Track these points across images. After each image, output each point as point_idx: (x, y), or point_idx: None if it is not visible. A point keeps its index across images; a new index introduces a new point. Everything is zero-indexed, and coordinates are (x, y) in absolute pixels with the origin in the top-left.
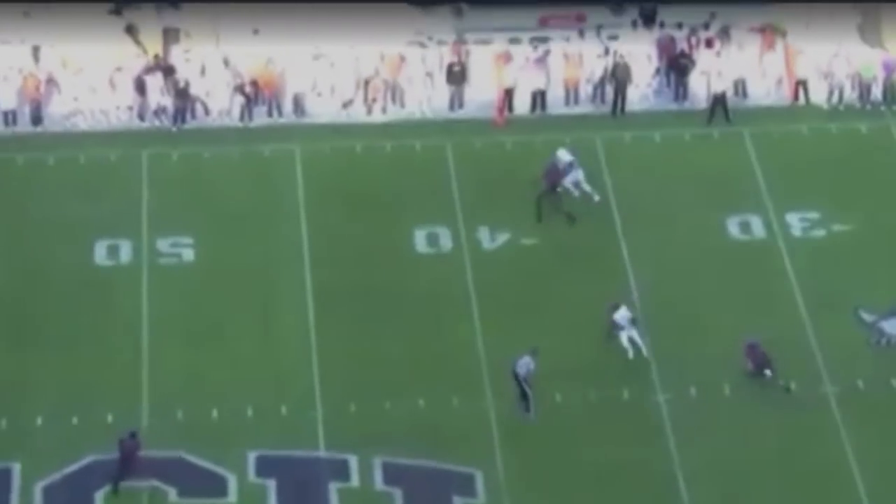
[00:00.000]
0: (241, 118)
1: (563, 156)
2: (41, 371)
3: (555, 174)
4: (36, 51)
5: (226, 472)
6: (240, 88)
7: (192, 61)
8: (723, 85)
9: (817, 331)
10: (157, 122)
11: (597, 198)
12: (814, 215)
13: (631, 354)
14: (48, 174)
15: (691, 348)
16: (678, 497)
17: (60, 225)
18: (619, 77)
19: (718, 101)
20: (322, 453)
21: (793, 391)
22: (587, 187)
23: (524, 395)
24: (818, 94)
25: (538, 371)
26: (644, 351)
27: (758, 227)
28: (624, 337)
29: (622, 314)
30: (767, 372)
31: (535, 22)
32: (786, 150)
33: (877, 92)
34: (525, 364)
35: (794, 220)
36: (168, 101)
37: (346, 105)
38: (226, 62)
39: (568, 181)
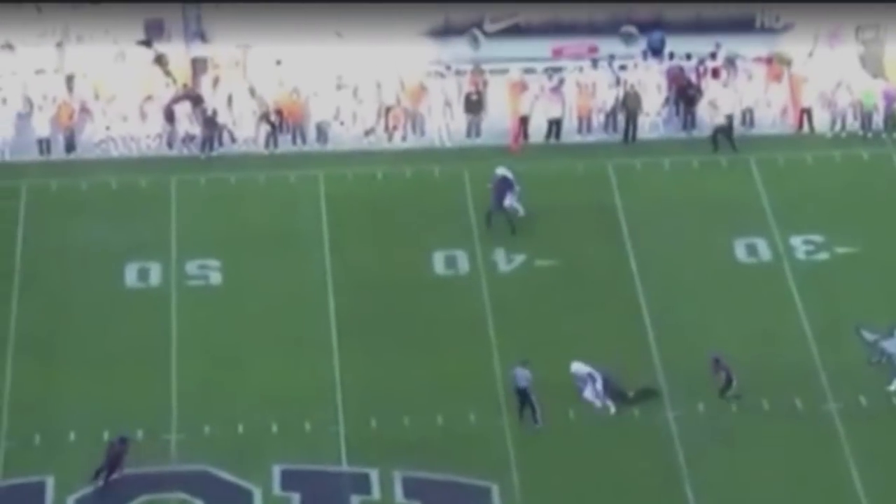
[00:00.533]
0: (267, 146)
1: (504, 171)
2: (74, 389)
3: (503, 186)
4: (70, 80)
5: (251, 485)
6: (265, 117)
7: (220, 91)
8: (722, 116)
9: (821, 349)
10: (185, 150)
11: (521, 213)
12: (817, 238)
13: (604, 408)
14: (81, 200)
15: (700, 367)
16: None
17: (93, 249)
18: (629, 106)
19: (720, 131)
20: (344, 467)
21: (741, 397)
22: (517, 204)
23: (530, 408)
24: (821, 123)
25: (551, 386)
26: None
27: (764, 250)
28: (589, 392)
29: (579, 369)
30: (734, 382)
31: (548, 52)
32: (790, 176)
33: (878, 120)
34: (524, 376)
35: (799, 244)
36: (196, 130)
37: (367, 133)
38: (252, 91)
39: (507, 200)
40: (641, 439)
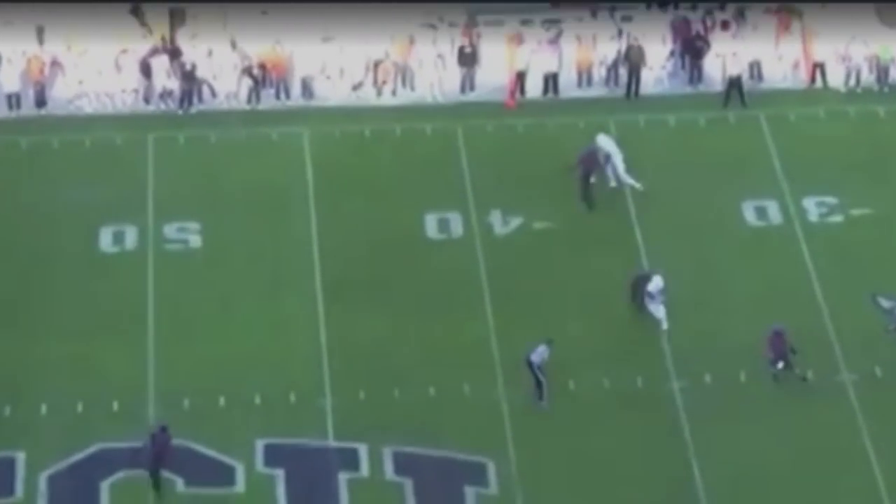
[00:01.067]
0: (249, 101)
1: (603, 143)
2: (45, 359)
3: (591, 161)
4: (40, 32)
5: (233, 461)
6: (247, 71)
7: (199, 44)
8: (738, 68)
9: (834, 318)
10: (163, 106)
11: (638, 186)
12: (831, 200)
13: (665, 326)
14: (52, 158)
15: (706, 335)
16: (693, 486)
17: (64, 210)
18: (632, 60)
19: (734, 84)
20: (331, 442)
21: (809, 380)
22: (627, 177)
23: (538, 384)
24: (835, 77)
25: (551, 358)
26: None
27: (774, 213)
28: (657, 308)
29: (656, 284)
30: (780, 364)
31: (546, 3)
32: (802, 133)
33: (895, 74)
34: (540, 353)
35: (811, 206)
36: (174, 84)
37: (355, 88)
38: (233, 45)
39: (608, 170)
40: (645, 412)
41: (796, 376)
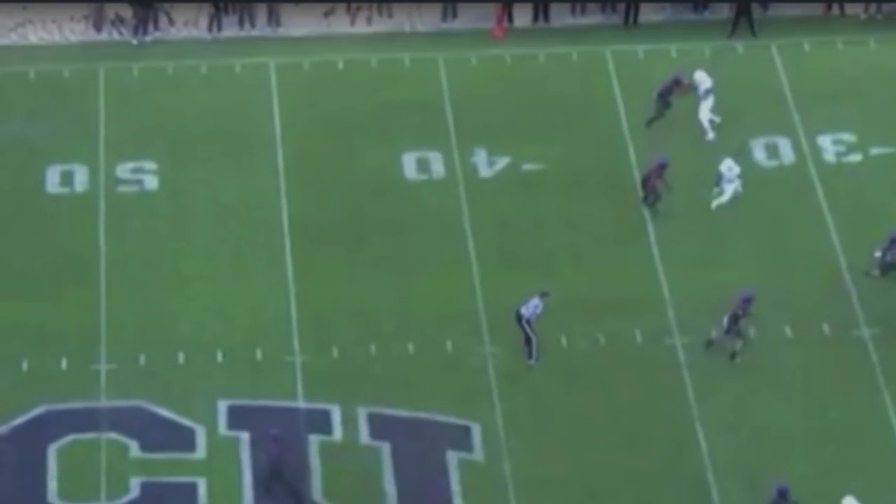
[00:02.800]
0: (210, 29)
1: (702, 79)
2: None
3: (671, 87)
4: None
5: (194, 423)
6: None
7: None
8: None
9: (852, 268)
10: (115, 34)
11: (710, 136)
12: (849, 138)
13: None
14: None
15: (711, 286)
16: (698, 450)
17: (7, 148)
18: None
19: (742, 10)
20: (301, 403)
21: (736, 360)
22: (704, 121)
23: (528, 340)
24: (853, 4)
25: (543, 313)
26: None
27: (786, 151)
28: (730, 191)
29: (728, 164)
30: (713, 332)
31: None
32: (818, 65)
33: None
34: (533, 306)
35: (827, 143)
36: (128, 10)
37: (326, 14)
38: None
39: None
40: (644, 370)
41: (727, 349)
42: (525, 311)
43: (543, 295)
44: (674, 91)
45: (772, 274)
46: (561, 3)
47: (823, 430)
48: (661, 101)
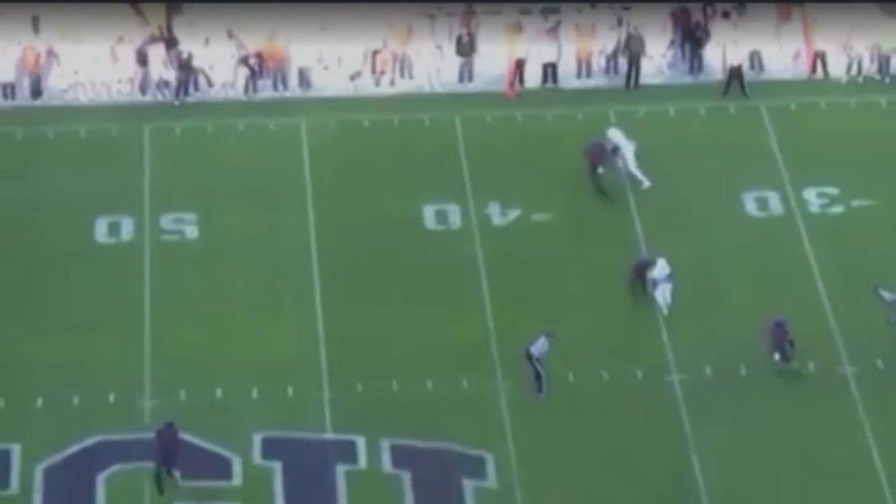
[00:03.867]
0: (246, 91)
1: (613, 136)
2: (41, 351)
3: (597, 153)
4: (35, 22)
5: (230, 454)
6: (244, 60)
7: (196, 33)
8: (739, 57)
9: (836, 310)
10: (159, 96)
11: (646, 184)
12: (832, 191)
13: (666, 312)
14: (47, 149)
15: (706, 327)
16: (693, 480)
17: (60, 202)
18: (632, 49)
19: (734, 74)
20: (329, 435)
21: (805, 375)
22: (636, 172)
23: (538, 376)
24: (837, 67)
25: (551, 350)
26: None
27: (775, 204)
28: (659, 295)
29: (661, 269)
30: (776, 356)
31: None
32: (803, 124)
33: None
34: (540, 345)
35: (812, 197)
36: (171, 74)
37: (353, 77)
38: (230, 34)
39: (617, 162)
40: (645, 405)
41: (793, 370)
42: (534, 349)
43: (549, 335)
44: (603, 159)
45: (762, 316)
46: (568, 67)
47: (811, 461)
48: (594, 173)
